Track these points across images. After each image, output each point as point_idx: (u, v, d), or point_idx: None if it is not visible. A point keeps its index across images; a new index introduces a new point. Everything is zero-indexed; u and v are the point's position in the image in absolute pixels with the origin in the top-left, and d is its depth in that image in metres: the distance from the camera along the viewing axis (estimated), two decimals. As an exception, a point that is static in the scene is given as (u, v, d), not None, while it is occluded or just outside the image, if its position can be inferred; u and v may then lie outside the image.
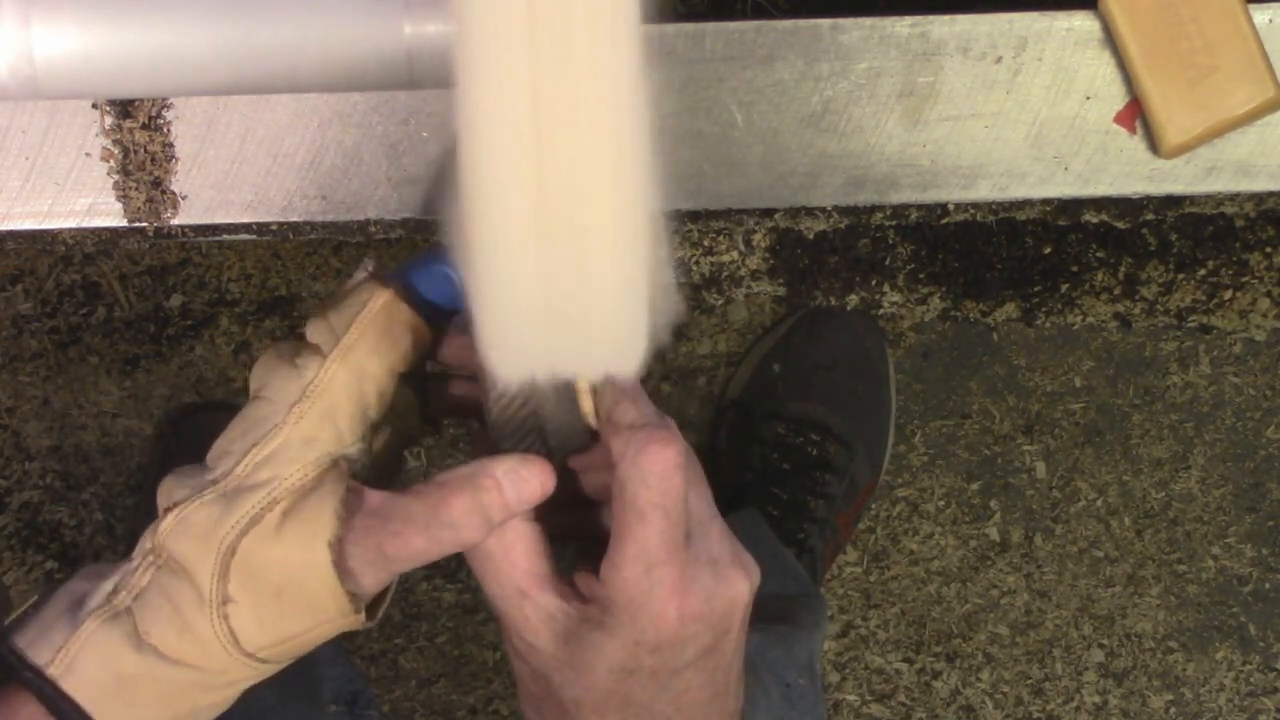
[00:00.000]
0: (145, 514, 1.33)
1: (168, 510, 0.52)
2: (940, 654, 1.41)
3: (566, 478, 0.56)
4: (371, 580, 0.53)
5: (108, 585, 0.52)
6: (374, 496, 0.53)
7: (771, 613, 1.15)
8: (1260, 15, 0.67)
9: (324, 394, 0.52)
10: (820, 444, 1.30)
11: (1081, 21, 0.68)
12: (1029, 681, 1.41)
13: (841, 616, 1.40)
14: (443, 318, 0.56)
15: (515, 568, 0.53)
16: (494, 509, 0.52)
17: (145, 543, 0.52)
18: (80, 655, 0.51)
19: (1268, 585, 1.41)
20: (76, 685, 0.51)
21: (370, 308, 0.53)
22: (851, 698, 1.41)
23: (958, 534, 1.40)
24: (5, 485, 1.36)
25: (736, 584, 0.53)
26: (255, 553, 0.51)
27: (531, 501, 0.53)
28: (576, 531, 0.57)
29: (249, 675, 0.53)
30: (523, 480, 0.52)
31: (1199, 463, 1.40)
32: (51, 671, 0.51)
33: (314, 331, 0.54)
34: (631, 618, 0.52)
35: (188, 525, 0.51)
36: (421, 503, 0.52)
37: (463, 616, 1.39)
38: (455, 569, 1.38)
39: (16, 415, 1.35)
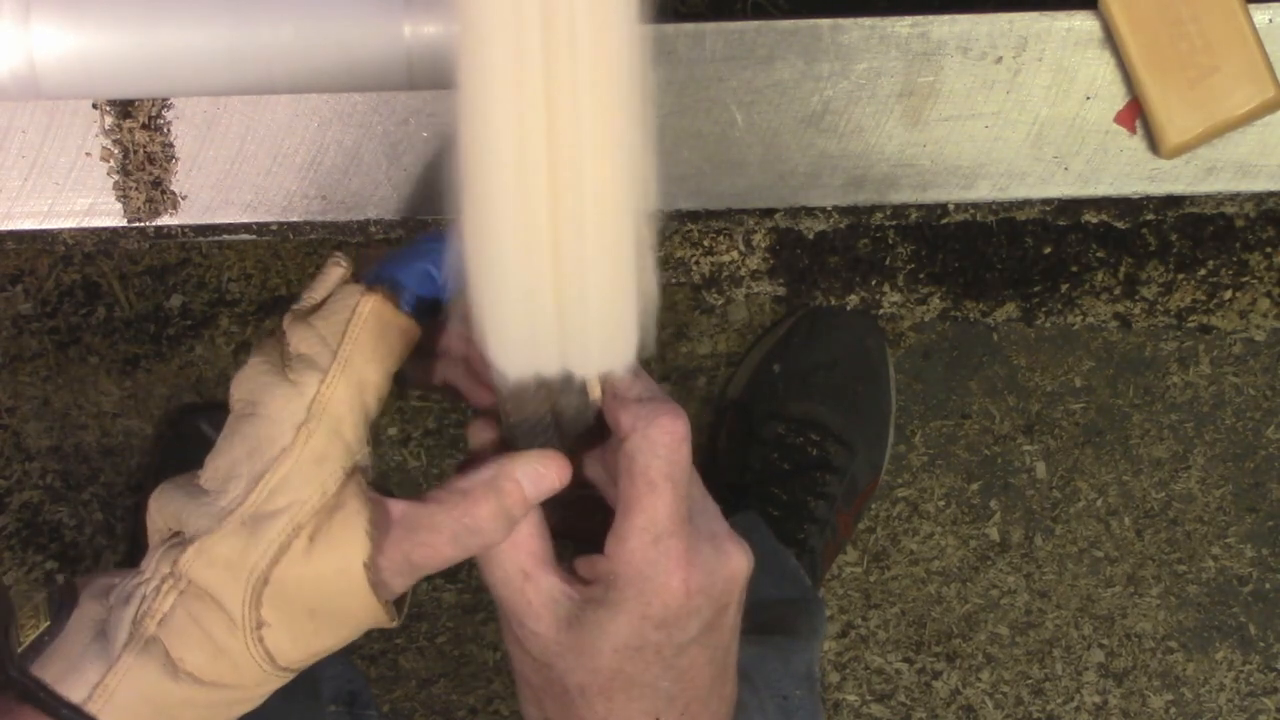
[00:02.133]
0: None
1: (178, 540, 0.51)
2: (940, 654, 1.41)
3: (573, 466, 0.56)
4: (401, 587, 0.53)
5: (130, 612, 0.51)
6: (396, 507, 0.53)
7: (769, 620, 1.15)
8: (1260, 15, 0.67)
9: (328, 410, 0.51)
10: (820, 444, 1.30)
11: (1081, 21, 0.68)
12: (1029, 681, 1.41)
13: (841, 616, 1.40)
14: (427, 309, 0.55)
15: (518, 549, 0.54)
16: (516, 509, 0.53)
17: (162, 566, 0.51)
18: (119, 690, 0.50)
19: (1268, 585, 1.41)
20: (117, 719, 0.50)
21: (360, 314, 0.52)
22: (851, 698, 1.41)
23: (958, 534, 1.40)
24: (5, 485, 1.36)
25: (735, 559, 0.54)
26: (288, 579, 0.51)
27: (549, 494, 0.54)
28: (572, 525, 0.58)
29: (280, 684, 0.53)
30: (542, 478, 0.53)
31: (1199, 463, 1.40)
32: (91, 708, 0.50)
33: (301, 340, 0.52)
34: (638, 590, 0.52)
35: (211, 557, 0.50)
36: (447, 513, 0.52)
37: (463, 616, 1.39)
38: (455, 570, 1.38)
39: (16, 415, 1.35)
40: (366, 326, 0.52)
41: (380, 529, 0.52)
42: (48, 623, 0.52)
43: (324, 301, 0.54)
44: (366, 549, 0.51)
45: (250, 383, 0.52)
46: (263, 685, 0.52)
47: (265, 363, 0.52)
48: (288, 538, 0.50)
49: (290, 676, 0.53)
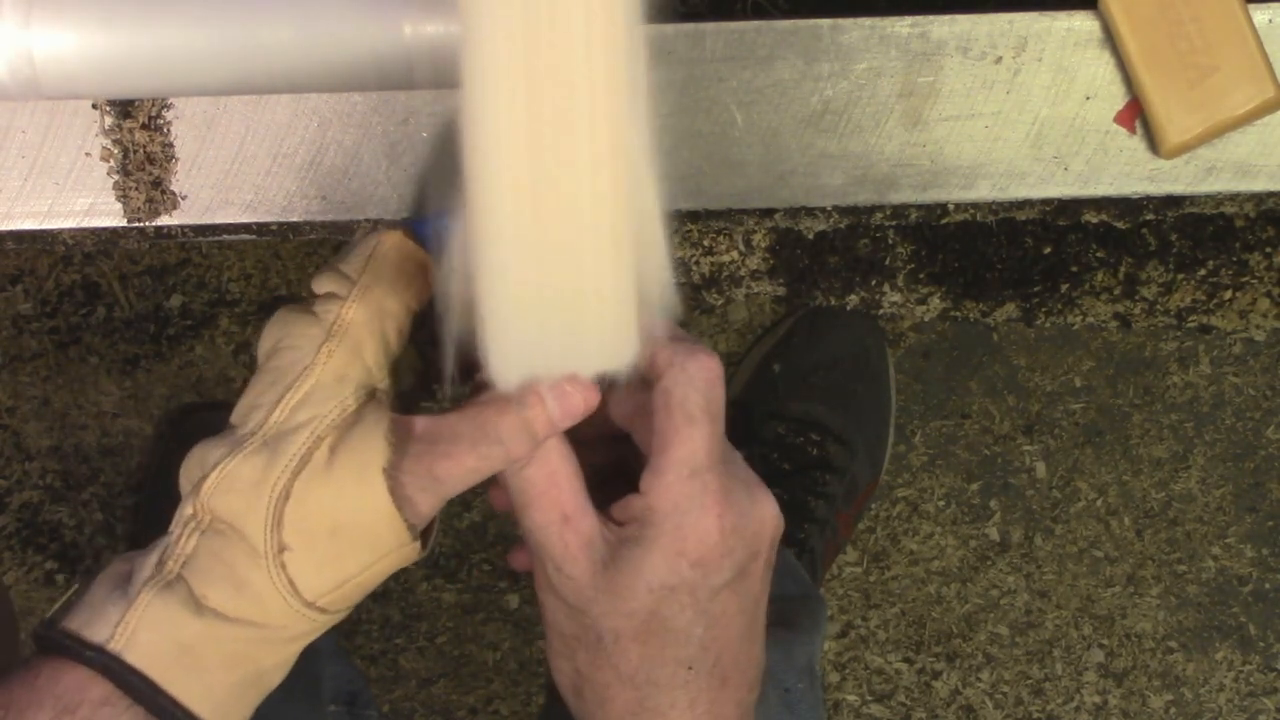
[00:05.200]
0: (145, 514, 1.33)
1: (205, 476, 0.52)
2: (940, 654, 1.41)
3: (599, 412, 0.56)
4: (425, 506, 0.53)
5: (153, 558, 0.52)
6: (418, 422, 0.53)
7: (770, 615, 1.15)
8: (1260, 15, 0.67)
9: (349, 331, 0.53)
10: (820, 444, 1.30)
11: (1081, 21, 0.68)
12: (1029, 681, 1.41)
13: (841, 616, 1.40)
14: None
15: (560, 491, 0.53)
16: (539, 424, 0.52)
17: (184, 510, 0.52)
18: (140, 627, 0.50)
19: (1268, 585, 1.41)
20: (140, 657, 0.50)
21: (381, 248, 0.55)
22: (851, 698, 1.41)
23: (958, 534, 1.40)
24: (5, 485, 1.36)
25: (767, 504, 0.54)
26: (308, 493, 0.51)
27: (575, 416, 0.53)
28: (602, 470, 0.57)
29: (308, 629, 0.52)
30: (566, 395, 0.52)
31: (1199, 463, 1.40)
32: (113, 647, 0.50)
33: (324, 282, 0.54)
34: (675, 525, 0.52)
35: (233, 480, 0.51)
36: (469, 421, 0.52)
37: (463, 616, 1.39)
38: (455, 569, 1.38)
39: (16, 415, 1.35)
40: (386, 258, 0.54)
41: (401, 440, 0.52)
42: (75, 587, 0.53)
43: (350, 250, 0.56)
44: (385, 454, 0.51)
45: (276, 327, 0.54)
46: (289, 626, 0.52)
47: (290, 309, 0.54)
48: (308, 450, 0.51)
49: (317, 623, 0.52)
